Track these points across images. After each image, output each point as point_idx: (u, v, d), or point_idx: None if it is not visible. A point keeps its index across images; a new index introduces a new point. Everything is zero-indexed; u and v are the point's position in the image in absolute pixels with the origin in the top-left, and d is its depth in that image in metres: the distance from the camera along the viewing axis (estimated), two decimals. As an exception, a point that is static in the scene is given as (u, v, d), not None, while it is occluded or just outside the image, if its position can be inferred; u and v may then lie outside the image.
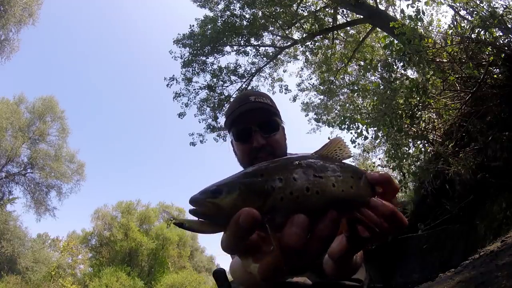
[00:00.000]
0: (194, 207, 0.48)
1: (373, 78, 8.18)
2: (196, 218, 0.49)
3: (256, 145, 1.18)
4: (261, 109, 1.23)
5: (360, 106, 6.92)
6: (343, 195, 0.47)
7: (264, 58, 12.01)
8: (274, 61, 12.39)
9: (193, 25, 11.19)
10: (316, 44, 11.21)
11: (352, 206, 0.50)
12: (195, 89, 11.46)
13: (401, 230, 0.54)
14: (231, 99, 11.50)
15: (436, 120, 5.66)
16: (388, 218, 0.51)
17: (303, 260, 0.46)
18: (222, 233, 0.48)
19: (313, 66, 12.32)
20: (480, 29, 4.68)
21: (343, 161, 0.55)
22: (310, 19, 10.92)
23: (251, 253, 0.51)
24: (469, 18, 5.24)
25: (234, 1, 10.93)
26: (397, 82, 5.42)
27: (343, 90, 11.53)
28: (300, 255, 0.44)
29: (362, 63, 9.94)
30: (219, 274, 0.99)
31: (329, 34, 11.28)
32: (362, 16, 10.26)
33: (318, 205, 0.45)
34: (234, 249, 0.49)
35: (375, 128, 5.25)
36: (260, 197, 0.44)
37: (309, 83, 12.56)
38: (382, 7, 10.14)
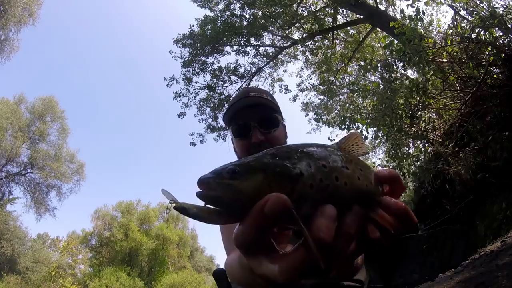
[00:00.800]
0: (204, 190, 0.40)
1: (373, 78, 8.19)
2: (204, 204, 0.41)
3: (255, 140, 1.16)
4: (261, 105, 1.21)
5: (360, 106, 6.92)
6: (367, 190, 0.45)
7: (264, 58, 12.02)
8: (274, 61, 12.39)
9: (193, 25, 11.20)
10: (316, 44, 11.22)
11: (371, 203, 0.46)
12: (195, 89, 11.47)
13: (412, 230, 0.52)
14: (231, 99, 11.49)
15: (436, 120, 5.66)
16: (400, 218, 0.48)
17: (332, 259, 0.40)
18: (232, 226, 0.41)
19: (313, 66, 12.32)
20: (480, 29, 4.68)
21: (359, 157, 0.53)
22: (310, 19, 10.92)
23: (265, 252, 0.43)
24: (469, 18, 5.24)
25: (234, 1, 10.93)
26: (397, 82, 5.42)
27: (343, 90, 11.53)
28: (330, 252, 0.39)
29: (362, 63, 9.95)
30: (219, 275, 0.98)
31: (329, 34, 11.28)
32: (362, 16, 10.26)
33: (346, 197, 0.41)
34: (253, 246, 0.41)
35: (375, 128, 5.25)
36: (289, 182, 0.38)
37: (309, 83, 12.58)
38: (382, 7, 10.14)
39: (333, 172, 0.41)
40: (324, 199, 0.39)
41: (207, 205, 0.40)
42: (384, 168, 0.53)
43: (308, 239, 0.37)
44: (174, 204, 0.43)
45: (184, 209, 0.40)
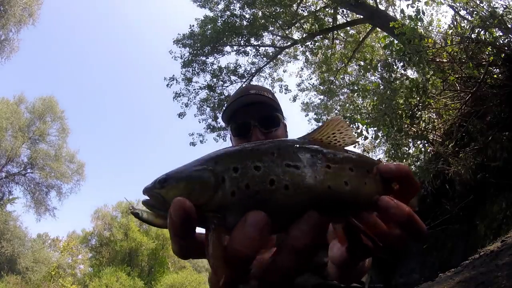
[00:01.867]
0: (146, 197, 0.42)
1: (373, 78, 8.20)
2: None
3: (254, 140, 1.09)
4: (261, 103, 1.16)
5: (360, 106, 6.91)
6: (330, 193, 0.36)
7: (264, 58, 12.02)
8: (274, 61, 12.39)
9: (193, 25, 11.21)
10: (316, 44, 11.21)
11: (345, 208, 0.38)
12: (195, 89, 11.47)
13: (420, 239, 0.42)
14: (231, 96, 11.47)
15: (436, 120, 5.66)
16: (403, 224, 0.40)
17: (271, 276, 0.36)
18: None
19: (313, 66, 12.32)
20: (480, 29, 4.68)
21: (346, 148, 0.43)
22: (310, 19, 10.92)
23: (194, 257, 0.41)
24: (469, 18, 5.24)
25: (234, 1, 10.93)
26: (397, 82, 5.42)
27: (343, 90, 11.54)
28: (245, 270, 0.34)
29: (362, 63, 9.94)
30: None
31: (329, 34, 11.27)
32: (362, 16, 10.26)
33: (290, 203, 0.34)
34: (177, 251, 0.40)
35: (375, 128, 5.25)
36: (207, 190, 0.35)
37: (309, 83, 12.58)
38: (382, 7, 10.14)
39: (268, 175, 0.35)
40: (256, 206, 0.34)
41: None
42: (392, 163, 0.43)
43: (215, 252, 0.34)
44: (131, 210, 0.45)
45: (137, 214, 0.43)
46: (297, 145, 0.38)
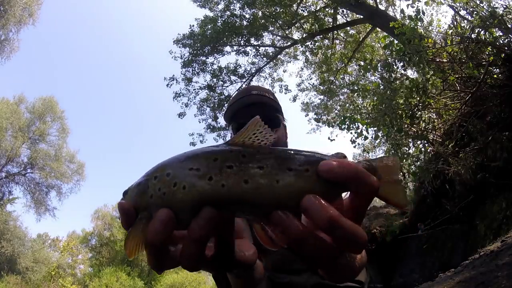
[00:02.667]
0: None
1: (373, 78, 8.19)
2: None
3: None
4: (263, 103, 1.18)
5: (360, 106, 6.92)
6: (223, 191, 0.38)
7: (264, 58, 12.02)
8: (274, 61, 12.40)
9: (193, 25, 11.21)
10: (316, 44, 11.21)
11: (246, 206, 0.39)
12: (195, 89, 11.48)
13: (350, 249, 0.39)
14: (233, 96, 11.49)
15: (436, 120, 5.66)
16: (325, 229, 0.37)
17: (182, 262, 0.41)
18: None
19: (313, 66, 12.33)
20: (480, 29, 4.68)
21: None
22: (310, 19, 10.92)
23: None
24: (469, 18, 5.24)
25: (234, 1, 10.93)
26: (397, 82, 5.42)
27: (343, 90, 11.53)
28: (160, 253, 0.41)
29: (362, 63, 9.94)
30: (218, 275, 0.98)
31: (329, 34, 11.28)
32: (362, 16, 10.26)
33: (186, 201, 0.39)
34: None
35: (375, 128, 5.25)
36: (139, 196, 0.43)
37: (309, 83, 12.58)
38: (382, 7, 10.15)
39: (173, 178, 0.40)
40: (164, 205, 0.39)
41: None
42: (336, 160, 0.40)
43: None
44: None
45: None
46: (205, 151, 0.42)
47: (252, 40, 11.56)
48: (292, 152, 0.42)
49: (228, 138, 1.30)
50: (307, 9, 11.06)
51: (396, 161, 0.51)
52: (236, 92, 1.45)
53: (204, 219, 0.38)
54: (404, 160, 5.29)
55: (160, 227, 0.38)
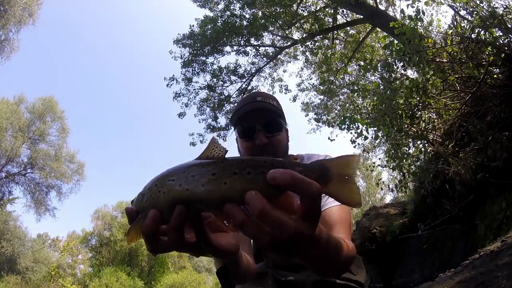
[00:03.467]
0: None
1: (373, 78, 8.19)
2: None
3: (258, 143, 1.22)
4: (266, 109, 1.27)
5: (360, 106, 6.92)
6: (188, 193, 0.52)
7: (264, 58, 12.01)
8: (274, 61, 12.39)
9: (193, 25, 11.19)
10: (316, 44, 11.20)
11: (204, 205, 0.53)
12: (195, 89, 11.46)
13: (281, 235, 0.50)
14: (231, 99, 11.54)
15: (436, 120, 5.66)
16: (259, 218, 0.49)
17: (166, 248, 0.57)
18: None
19: (313, 66, 12.32)
20: (480, 29, 4.68)
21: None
22: (310, 19, 10.91)
23: None
24: (469, 18, 5.24)
25: (234, 1, 10.92)
26: (397, 82, 5.42)
27: (343, 90, 11.53)
28: (155, 242, 0.56)
29: (362, 63, 9.94)
30: (223, 273, 0.98)
31: (329, 34, 11.27)
32: (362, 16, 10.26)
33: (163, 204, 0.53)
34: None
35: (375, 128, 5.25)
36: (139, 202, 0.58)
37: (309, 83, 12.57)
38: (382, 7, 10.14)
39: (159, 187, 0.55)
40: (153, 207, 0.54)
41: None
42: (278, 170, 0.51)
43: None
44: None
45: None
46: (179, 166, 0.56)
47: (252, 40, 11.55)
48: (238, 159, 0.56)
49: (228, 139, 1.39)
50: (307, 9, 11.05)
51: (352, 159, 0.60)
52: (243, 97, 1.57)
53: (177, 213, 0.52)
54: (404, 160, 5.29)
55: (150, 222, 0.53)
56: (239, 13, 10.92)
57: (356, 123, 5.27)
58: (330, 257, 0.71)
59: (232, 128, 1.39)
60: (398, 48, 5.01)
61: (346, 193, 0.58)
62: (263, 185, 0.51)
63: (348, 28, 11.69)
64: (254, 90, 11.45)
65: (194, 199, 0.52)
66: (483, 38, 4.70)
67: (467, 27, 4.98)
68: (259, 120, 1.24)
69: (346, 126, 5.27)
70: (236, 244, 0.67)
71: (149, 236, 0.55)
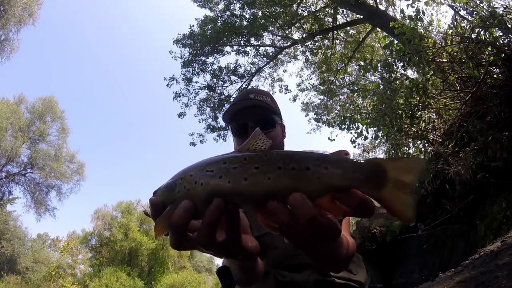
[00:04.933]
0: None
1: (373, 78, 8.19)
2: None
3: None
4: (258, 106, 1.27)
5: (360, 106, 6.92)
6: (229, 186, 0.50)
7: (264, 58, 12.00)
8: (274, 61, 12.38)
9: (193, 25, 11.19)
10: (316, 44, 11.20)
11: (246, 199, 0.50)
12: (195, 89, 11.46)
13: (325, 238, 0.51)
14: (232, 99, 11.53)
15: (436, 120, 5.66)
16: (309, 223, 0.48)
17: (199, 242, 0.53)
18: None
19: (313, 66, 12.31)
20: (480, 29, 4.68)
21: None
22: (310, 19, 10.91)
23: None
24: (469, 18, 5.24)
25: (234, 1, 10.92)
26: (397, 82, 5.42)
27: (343, 90, 11.53)
28: (183, 236, 0.53)
29: (362, 63, 9.94)
30: (223, 272, 0.97)
31: (329, 34, 11.26)
32: (362, 16, 10.25)
33: (201, 195, 0.51)
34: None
35: (375, 128, 5.25)
36: (168, 192, 0.55)
37: (309, 83, 12.56)
38: (382, 7, 10.14)
39: (195, 178, 0.52)
40: (187, 198, 0.52)
41: None
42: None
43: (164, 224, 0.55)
44: (144, 210, 0.65)
45: (146, 212, 0.62)
46: (217, 158, 0.54)
47: (252, 40, 11.54)
48: (282, 153, 0.53)
49: (228, 138, 1.41)
50: (307, 9, 11.05)
51: (416, 164, 0.53)
52: (236, 94, 1.58)
53: (214, 206, 0.49)
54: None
55: (182, 213, 0.50)
56: (239, 13, 10.92)
57: (356, 123, 5.27)
58: (335, 253, 0.71)
59: (227, 126, 1.41)
60: (398, 48, 5.01)
61: (399, 204, 0.50)
62: (308, 183, 0.48)
63: (348, 28, 11.68)
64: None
65: (236, 193, 0.50)
66: (483, 38, 4.70)
67: (467, 27, 4.98)
68: (252, 117, 1.24)
69: (346, 126, 5.27)
70: (258, 246, 0.66)
71: (179, 229, 0.52)
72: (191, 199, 0.51)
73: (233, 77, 11.60)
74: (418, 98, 5.01)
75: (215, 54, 11.38)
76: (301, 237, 0.51)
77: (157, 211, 0.54)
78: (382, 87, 5.67)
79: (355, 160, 0.54)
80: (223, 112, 1.37)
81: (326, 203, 0.49)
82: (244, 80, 11.72)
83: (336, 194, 0.49)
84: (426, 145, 5.51)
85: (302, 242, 0.52)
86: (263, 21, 10.81)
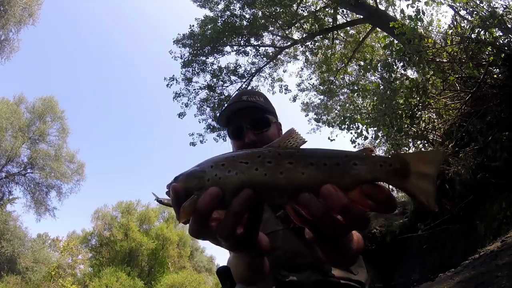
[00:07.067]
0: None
1: (373, 78, 8.19)
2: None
3: (247, 141, 1.24)
4: (251, 107, 1.30)
5: (360, 106, 6.92)
6: (265, 179, 0.51)
7: (264, 58, 12.00)
8: (274, 61, 12.38)
9: (193, 25, 11.19)
10: (316, 44, 11.21)
11: (281, 192, 0.52)
12: (195, 89, 11.46)
13: (359, 227, 0.53)
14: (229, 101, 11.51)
15: (436, 120, 5.66)
16: (340, 211, 0.50)
17: (220, 231, 0.53)
18: None
19: (313, 66, 12.31)
20: (480, 29, 4.68)
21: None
22: (310, 19, 10.90)
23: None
24: (469, 18, 5.23)
25: (234, 1, 10.92)
26: (397, 82, 5.41)
27: (343, 90, 11.53)
28: (204, 224, 0.53)
29: (362, 63, 9.94)
30: (223, 272, 0.97)
31: (329, 34, 11.26)
32: (362, 16, 10.25)
33: (235, 183, 0.52)
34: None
35: (375, 128, 5.24)
36: (195, 179, 0.54)
37: (309, 83, 12.57)
38: (382, 7, 10.14)
39: (228, 167, 0.53)
40: (220, 187, 0.52)
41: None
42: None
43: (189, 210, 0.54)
44: (156, 198, 0.69)
45: (160, 201, 0.66)
46: (251, 151, 0.55)
47: (252, 40, 11.55)
48: (313, 150, 0.55)
49: (228, 138, 1.44)
50: (307, 9, 11.04)
51: (436, 156, 0.59)
52: (231, 98, 1.68)
53: (244, 197, 0.50)
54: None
55: (208, 199, 0.50)
56: (239, 13, 10.93)
57: (356, 123, 5.27)
58: (347, 247, 0.72)
59: (223, 129, 1.45)
60: (398, 48, 5.01)
61: (423, 193, 0.55)
62: (339, 177, 0.52)
63: (348, 28, 11.69)
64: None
65: (271, 186, 0.51)
66: (483, 38, 4.70)
67: (467, 27, 4.98)
68: (246, 118, 1.27)
69: (346, 126, 5.27)
70: (269, 244, 0.67)
71: (203, 216, 0.52)
72: (222, 187, 0.52)
73: (233, 77, 11.61)
74: (418, 98, 5.01)
75: (215, 54, 11.38)
76: (331, 228, 0.52)
77: (179, 198, 0.54)
78: (382, 87, 5.66)
79: (380, 155, 0.59)
80: (218, 116, 1.40)
81: (355, 196, 0.52)
82: (244, 80, 11.73)
83: (365, 187, 0.52)
84: (426, 145, 5.51)
85: (333, 233, 0.53)
86: (263, 21, 10.81)
